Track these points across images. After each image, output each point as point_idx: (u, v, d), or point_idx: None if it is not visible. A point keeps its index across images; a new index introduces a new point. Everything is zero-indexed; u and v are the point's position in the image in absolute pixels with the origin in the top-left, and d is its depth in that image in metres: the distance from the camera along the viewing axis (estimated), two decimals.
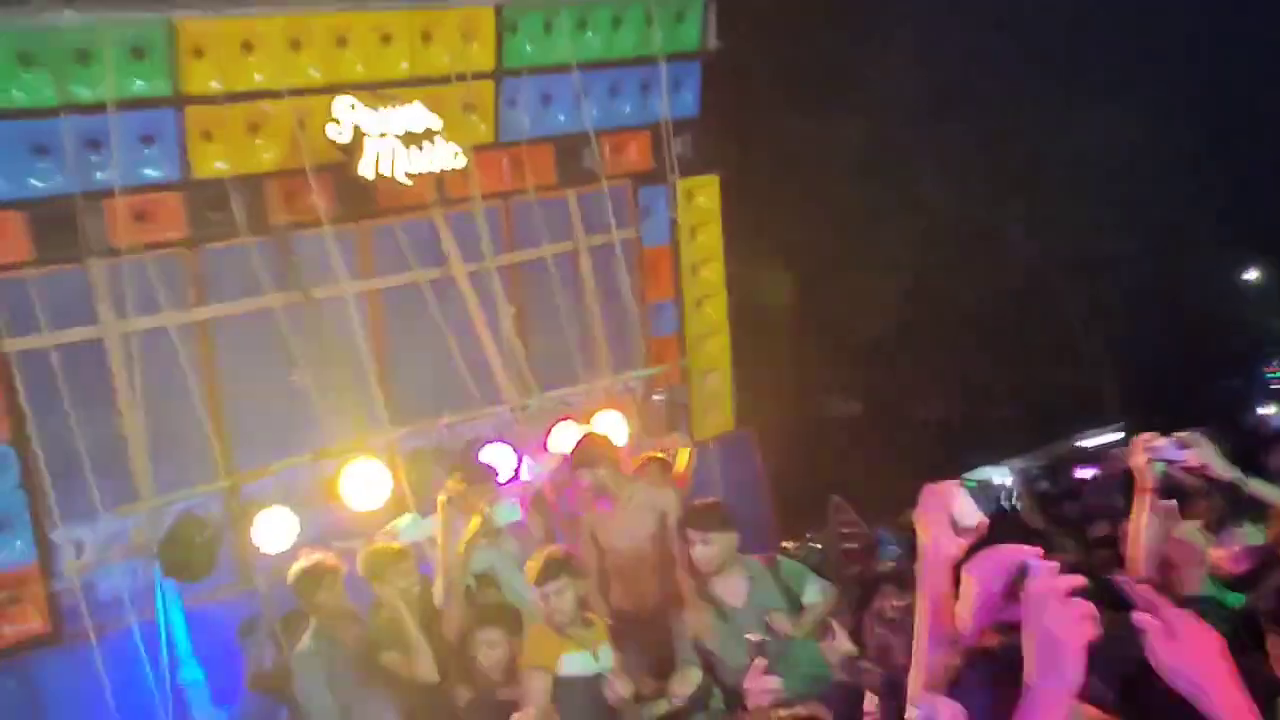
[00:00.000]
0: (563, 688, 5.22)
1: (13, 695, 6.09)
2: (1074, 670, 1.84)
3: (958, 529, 2.22)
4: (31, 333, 6.12)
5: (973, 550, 2.25)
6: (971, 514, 2.20)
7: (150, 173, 6.37)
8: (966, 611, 2.12)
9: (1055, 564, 1.96)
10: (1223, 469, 3.77)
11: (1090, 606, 1.86)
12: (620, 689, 5.26)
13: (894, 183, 11.09)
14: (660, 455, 6.85)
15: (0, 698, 6.04)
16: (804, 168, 9.46)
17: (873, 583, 7.11)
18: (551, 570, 5.28)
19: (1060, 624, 1.85)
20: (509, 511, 5.78)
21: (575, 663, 5.26)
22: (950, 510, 2.21)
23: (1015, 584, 2.00)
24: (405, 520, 6.14)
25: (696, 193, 8.05)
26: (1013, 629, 2.11)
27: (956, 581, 2.22)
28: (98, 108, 5.99)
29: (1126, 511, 4.20)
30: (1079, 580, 1.90)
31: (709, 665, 5.80)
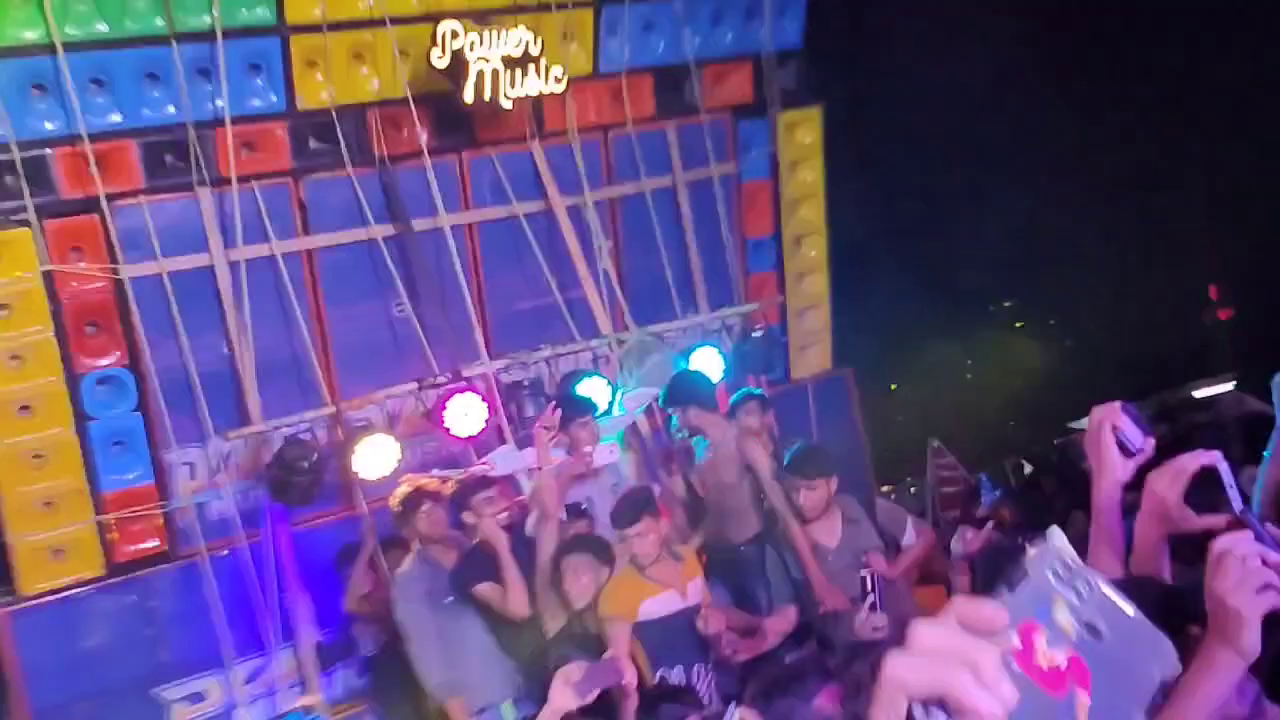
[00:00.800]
0: (650, 627, 5.24)
1: (130, 610, 6.35)
2: (1251, 641, 1.76)
3: (1125, 451, 2.22)
4: (146, 260, 6.29)
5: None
6: (1137, 436, 2.19)
7: (257, 102, 6.47)
8: (1145, 524, 2.14)
9: (1246, 533, 1.88)
10: None
11: (1271, 576, 1.77)
12: (713, 622, 5.27)
13: (1017, 121, 10.71)
14: (757, 392, 6.81)
15: (119, 612, 6.31)
16: (913, 103, 9.17)
17: (973, 526, 7.04)
18: (630, 513, 5.28)
19: (1238, 594, 1.78)
20: (609, 453, 5.78)
21: (657, 605, 5.27)
22: (1117, 432, 2.19)
23: (1192, 491, 2.04)
24: (502, 450, 6.20)
25: (798, 126, 7.88)
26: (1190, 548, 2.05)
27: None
28: (207, 35, 6.10)
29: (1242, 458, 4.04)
30: (1262, 550, 1.81)
31: (802, 604, 5.81)
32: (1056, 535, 0.83)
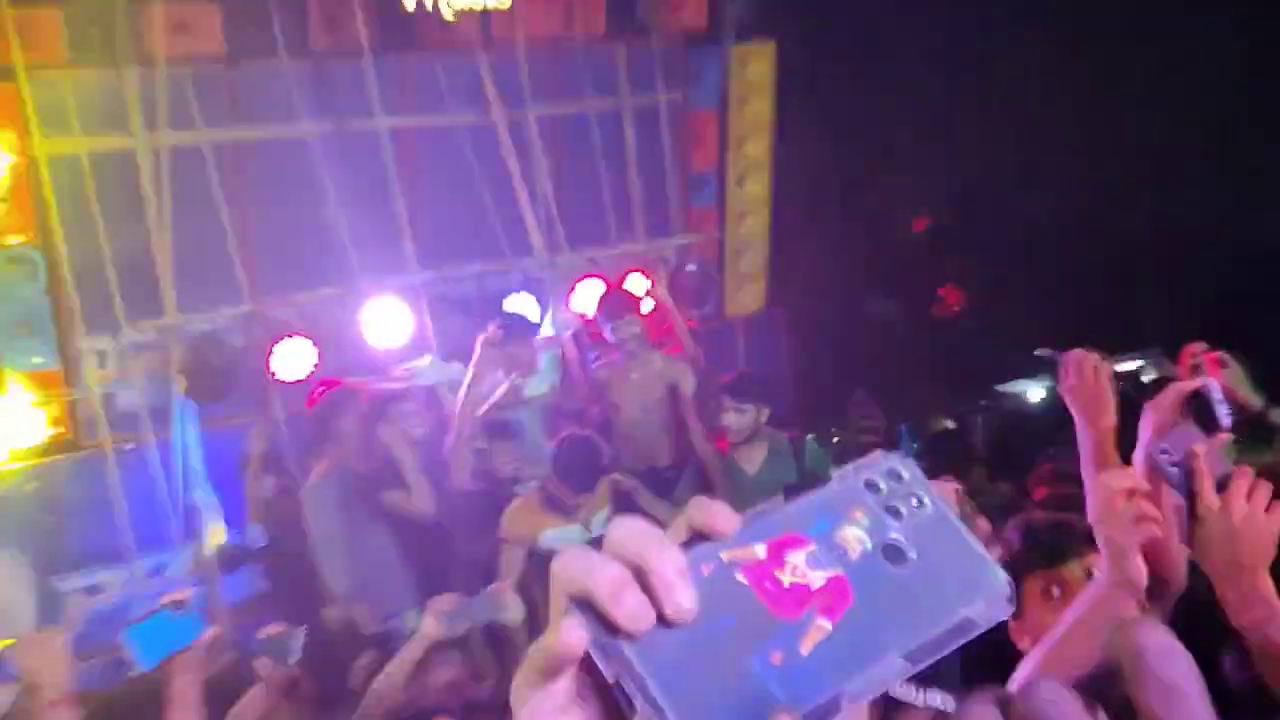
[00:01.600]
0: (547, 559, 5.19)
1: (31, 498, 6.18)
2: (1132, 570, 1.78)
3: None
4: (63, 135, 6.03)
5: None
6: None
7: None
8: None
9: (1129, 468, 1.92)
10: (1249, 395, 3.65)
11: (1148, 508, 1.81)
12: None
13: (970, 76, 10.66)
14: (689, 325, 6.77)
15: (20, 499, 6.13)
16: (873, 46, 9.07)
17: None
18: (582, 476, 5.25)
19: (1111, 524, 1.81)
20: (542, 382, 5.70)
21: (558, 537, 5.23)
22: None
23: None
24: (424, 362, 6.09)
25: (750, 60, 7.75)
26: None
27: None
28: None
29: None
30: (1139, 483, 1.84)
31: None
32: (899, 456, 0.73)
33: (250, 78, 6.47)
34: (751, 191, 7.94)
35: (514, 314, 6.16)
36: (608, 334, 6.15)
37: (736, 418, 5.78)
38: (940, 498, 0.71)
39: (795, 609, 0.65)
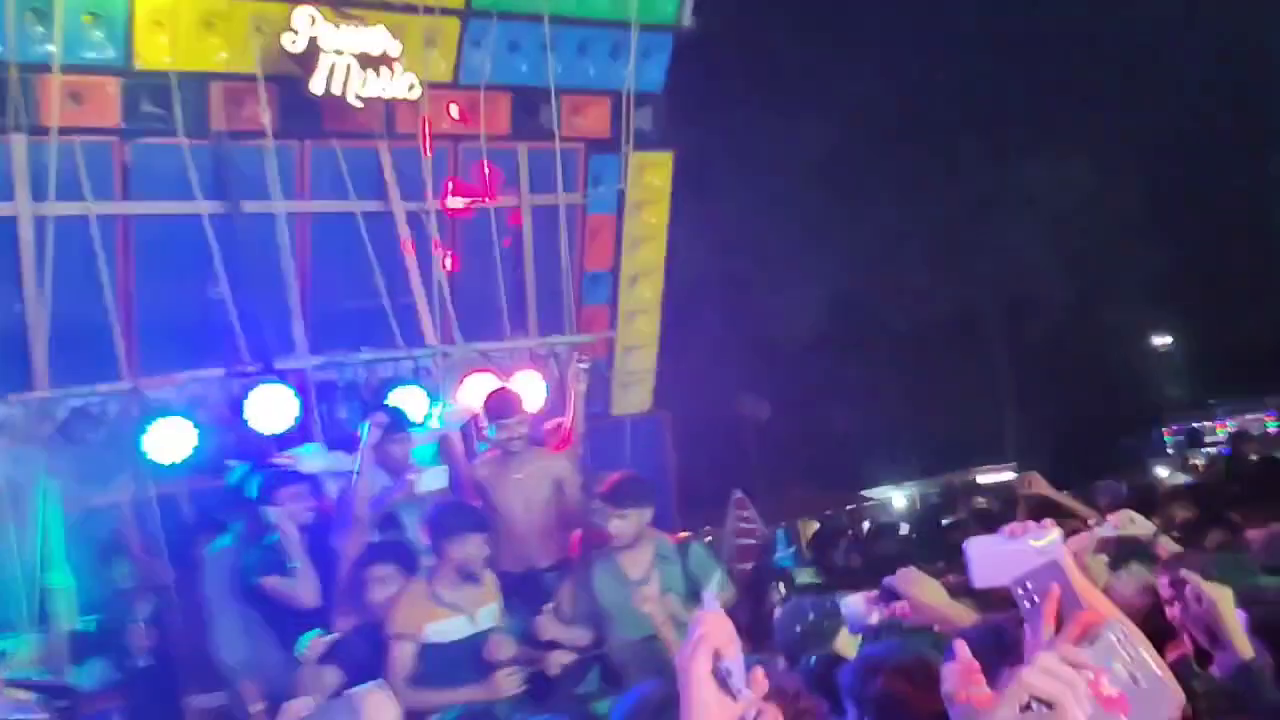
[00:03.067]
0: (436, 651, 5.12)
1: None
2: None
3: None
4: None
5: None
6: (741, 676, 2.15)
7: (92, 55, 6.12)
8: None
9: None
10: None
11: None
12: (502, 649, 5.19)
13: (846, 194, 11.17)
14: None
15: None
16: (761, 162, 9.45)
17: (766, 579, 7.19)
18: (469, 522, 5.20)
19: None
20: (435, 479, 5.66)
21: (445, 630, 5.16)
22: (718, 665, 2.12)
23: None
24: (309, 449, 5.99)
25: (649, 168, 7.97)
26: None
27: None
28: None
29: None
30: None
31: (600, 628, 5.77)
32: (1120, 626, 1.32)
33: (145, 153, 6.37)
34: (643, 294, 8.10)
35: (394, 408, 6.12)
36: (491, 433, 6.13)
37: (620, 523, 5.74)
38: (1140, 646, 1.30)
39: (1115, 710, 1.21)
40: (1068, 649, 1.23)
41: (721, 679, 2.07)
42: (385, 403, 6.25)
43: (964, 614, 3.11)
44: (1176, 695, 1.29)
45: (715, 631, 2.10)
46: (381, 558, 5.14)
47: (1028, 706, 1.19)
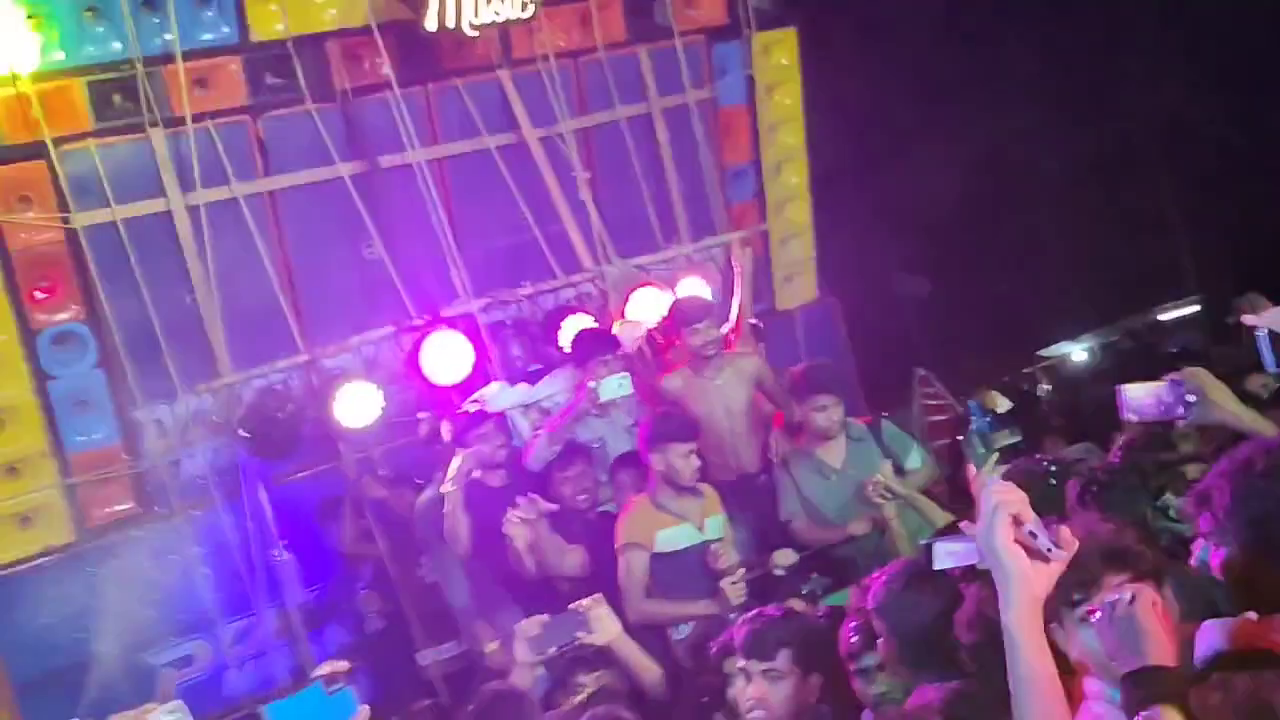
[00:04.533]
0: (663, 560, 5.08)
1: (108, 573, 6.04)
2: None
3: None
4: (98, 207, 5.93)
5: None
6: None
7: (208, 36, 6.09)
8: None
9: None
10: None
11: None
12: (724, 559, 5.11)
13: (977, 49, 10.54)
14: (753, 321, 6.64)
15: (96, 575, 6.00)
16: (886, 27, 8.94)
17: (966, 449, 6.92)
18: (674, 431, 5.12)
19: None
20: (618, 386, 5.54)
21: (673, 537, 5.12)
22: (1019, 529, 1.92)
23: None
24: (493, 389, 5.95)
25: (774, 48, 7.60)
26: None
27: None
28: None
29: None
30: None
31: (815, 520, 5.67)
32: None
33: (278, 126, 6.35)
34: (789, 180, 7.78)
35: (587, 329, 6.06)
36: (688, 340, 5.98)
37: (819, 415, 5.60)
38: None
39: None
40: None
41: (1028, 544, 1.90)
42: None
43: (1258, 419, 2.83)
44: None
45: (1008, 498, 1.91)
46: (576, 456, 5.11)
47: None
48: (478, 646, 5.41)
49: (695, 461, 5.09)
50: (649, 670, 3.95)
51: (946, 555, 2.00)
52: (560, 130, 6.89)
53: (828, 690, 3.36)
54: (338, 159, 6.39)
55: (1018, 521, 1.88)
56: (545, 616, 3.93)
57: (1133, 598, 2.00)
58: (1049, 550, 1.89)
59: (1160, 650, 1.91)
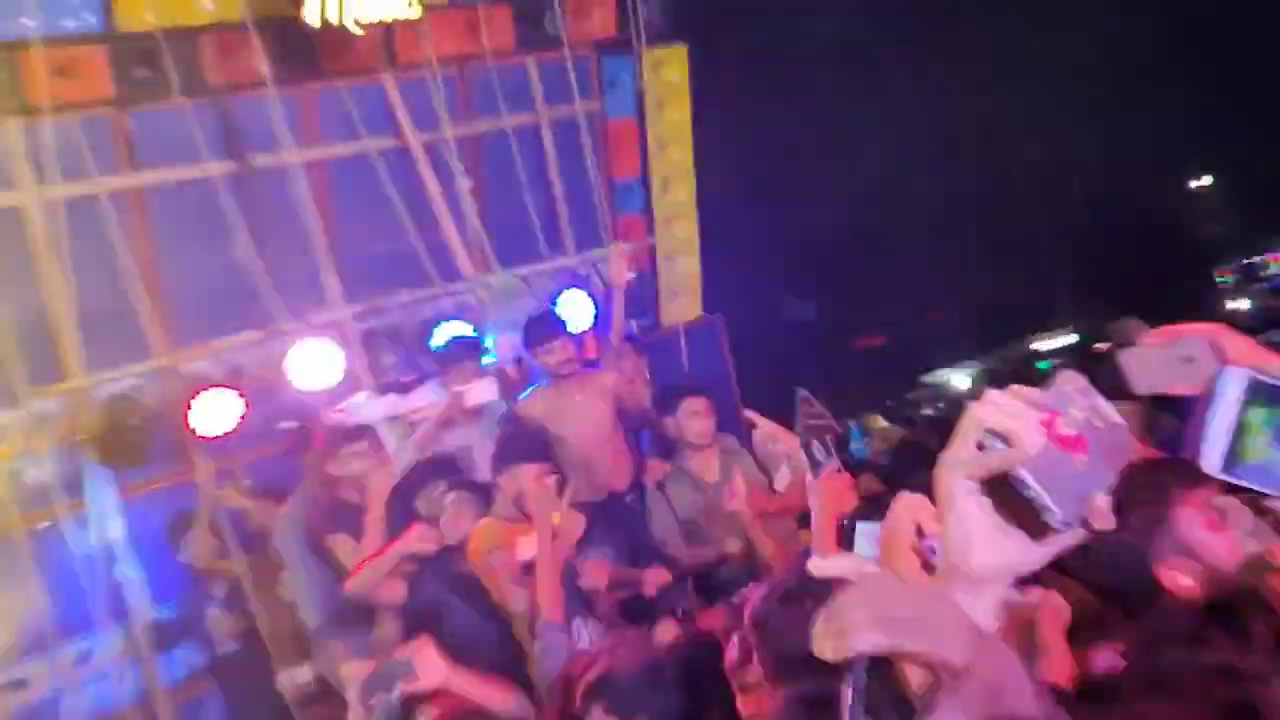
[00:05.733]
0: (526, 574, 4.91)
1: None
2: None
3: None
4: None
5: None
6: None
7: (71, 22, 5.77)
8: None
9: None
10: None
11: None
12: (594, 576, 4.98)
13: (865, 74, 10.71)
14: (631, 336, 6.55)
15: None
16: (775, 48, 9.01)
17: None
18: (524, 452, 4.96)
19: None
20: (485, 390, 5.38)
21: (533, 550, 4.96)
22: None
23: None
24: (359, 399, 5.74)
25: (664, 64, 7.54)
26: None
27: None
28: None
29: None
30: None
31: (689, 538, 5.62)
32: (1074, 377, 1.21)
33: (145, 120, 6.05)
34: (676, 197, 7.73)
35: (460, 336, 5.89)
36: (534, 360, 5.87)
37: (693, 422, 5.58)
38: (1098, 397, 1.20)
39: (1070, 448, 1.14)
40: (1018, 389, 1.17)
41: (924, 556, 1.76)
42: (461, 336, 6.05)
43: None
44: (1133, 442, 1.27)
45: (915, 505, 1.75)
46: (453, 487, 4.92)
47: (981, 446, 1.15)
48: (333, 669, 5.18)
49: (549, 482, 4.95)
50: (497, 699, 3.76)
51: (866, 537, 1.96)
52: (444, 136, 6.71)
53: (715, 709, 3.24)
54: (208, 157, 6.11)
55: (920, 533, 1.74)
56: (370, 663, 3.77)
57: None
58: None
59: None
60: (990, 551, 1.18)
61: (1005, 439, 1.13)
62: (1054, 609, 2.22)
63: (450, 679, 3.68)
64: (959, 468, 1.17)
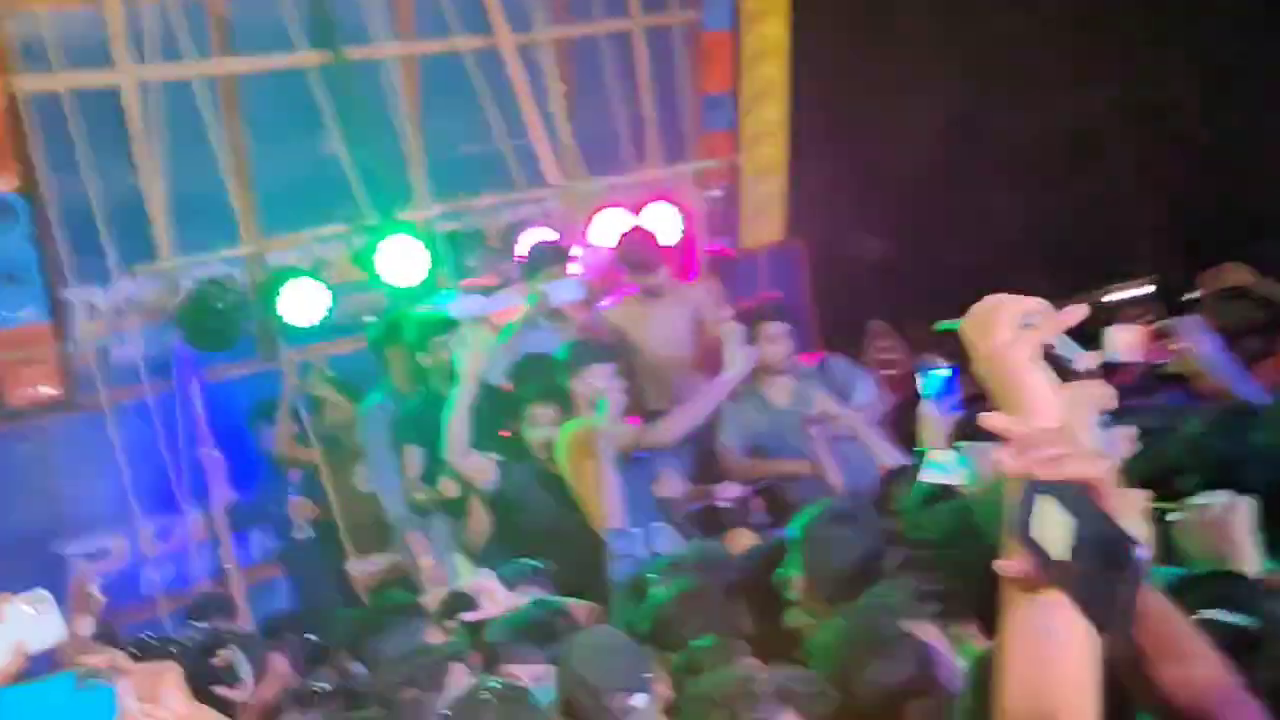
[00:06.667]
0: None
1: (25, 459, 5.81)
2: None
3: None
4: (44, 72, 5.60)
5: None
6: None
7: None
8: None
9: None
10: None
11: None
12: (672, 485, 4.99)
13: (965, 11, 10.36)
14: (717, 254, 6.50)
15: (13, 460, 5.76)
16: None
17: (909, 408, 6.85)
18: (593, 353, 4.97)
19: None
20: (569, 289, 5.37)
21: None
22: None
23: None
24: (448, 296, 5.75)
25: None
26: None
27: None
28: None
29: None
30: None
31: (756, 456, 5.60)
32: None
33: (241, 5, 6.03)
34: (766, 115, 7.57)
35: (547, 241, 5.88)
36: (629, 279, 5.85)
37: (771, 347, 5.52)
38: None
39: None
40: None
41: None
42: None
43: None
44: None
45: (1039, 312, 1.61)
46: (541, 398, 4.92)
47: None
48: (411, 560, 5.26)
49: (620, 384, 4.93)
50: None
51: (935, 467, 1.88)
52: (537, 38, 6.62)
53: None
54: (302, 46, 6.08)
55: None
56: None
57: None
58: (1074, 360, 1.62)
59: None
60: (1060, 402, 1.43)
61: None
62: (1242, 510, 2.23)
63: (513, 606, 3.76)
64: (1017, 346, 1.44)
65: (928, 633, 2.37)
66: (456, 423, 4.79)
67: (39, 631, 1.91)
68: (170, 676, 1.81)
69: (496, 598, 3.75)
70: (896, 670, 2.25)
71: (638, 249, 5.98)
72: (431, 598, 4.05)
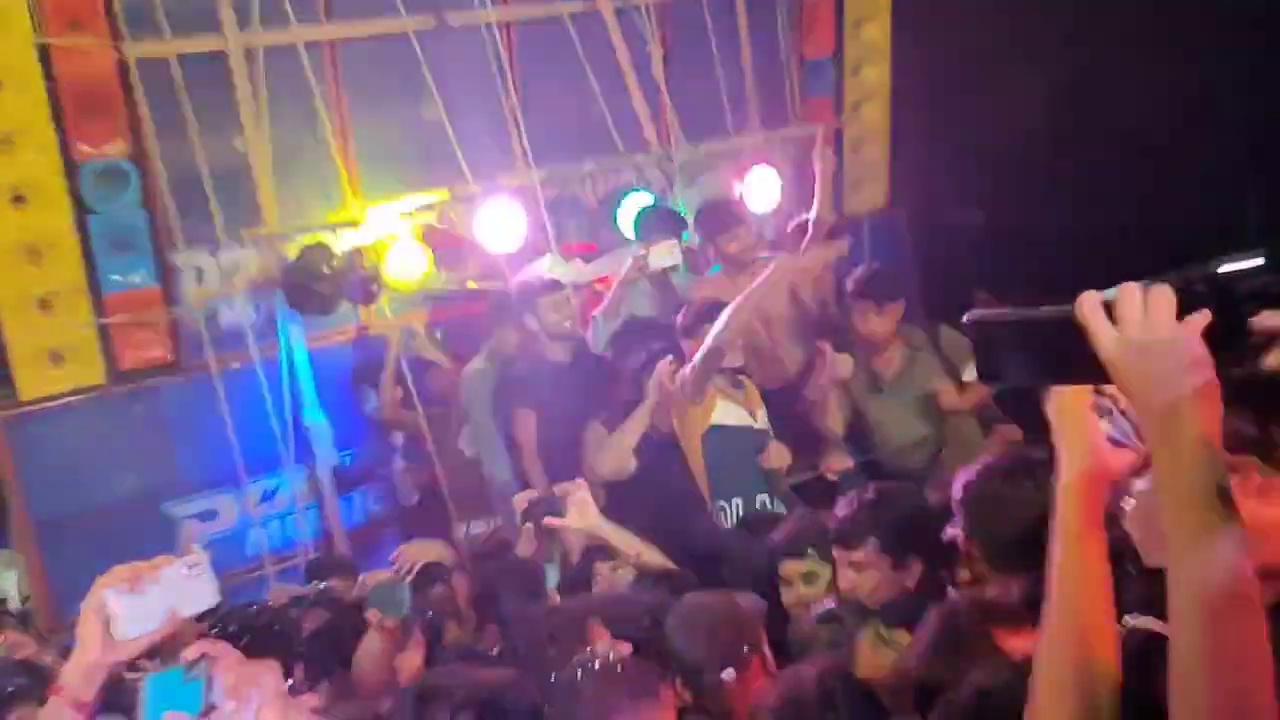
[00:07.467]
0: (716, 434, 4.86)
1: (136, 421, 5.90)
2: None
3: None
4: (152, 39, 5.66)
5: None
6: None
7: None
8: None
9: None
10: None
11: None
12: (776, 456, 4.90)
13: None
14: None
15: (124, 422, 5.86)
16: None
17: None
18: (706, 314, 4.89)
19: None
20: (668, 252, 5.28)
21: (730, 413, 4.90)
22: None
23: None
24: (546, 261, 5.71)
25: None
26: None
27: None
28: None
29: None
30: None
31: (867, 436, 5.50)
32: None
33: None
34: (869, 79, 7.39)
35: (658, 206, 5.81)
36: (723, 246, 5.74)
37: (877, 320, 5.37)
38: None
39: None
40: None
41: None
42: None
43: None
44: None
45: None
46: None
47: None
48: (515, 523, 5.24)
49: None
50: (633, 549, 3.71)
51: None
52: (637, 2, 6.53)
53: (925, 578, 3.12)
54: (404, 12, 6.07)
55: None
56: (533, 493, 3.92)
57: None
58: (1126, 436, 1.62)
59: None
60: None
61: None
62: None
63: (598, 525, 3.69)
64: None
65: None
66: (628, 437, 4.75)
67: (194, 596, 1.81)
68: (268, 680, 1.71)
69: (586, 512, 3.69)
70: None
71: (715, 213, 5.86)
72: (519, 499, 3.97)
